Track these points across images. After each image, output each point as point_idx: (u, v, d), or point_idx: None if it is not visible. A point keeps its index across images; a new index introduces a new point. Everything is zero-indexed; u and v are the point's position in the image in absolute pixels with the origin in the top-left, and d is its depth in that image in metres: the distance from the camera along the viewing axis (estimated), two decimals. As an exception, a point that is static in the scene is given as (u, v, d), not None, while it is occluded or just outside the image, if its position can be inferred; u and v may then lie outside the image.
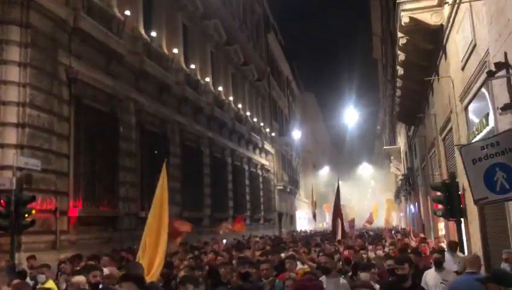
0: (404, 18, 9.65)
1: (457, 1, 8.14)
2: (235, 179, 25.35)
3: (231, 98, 25.44)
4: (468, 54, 7.99)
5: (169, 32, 18.28)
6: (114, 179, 13.43)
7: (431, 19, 9.68)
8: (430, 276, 6.28)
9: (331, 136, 78.46)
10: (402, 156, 29.43)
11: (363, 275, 5.88)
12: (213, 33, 23.36)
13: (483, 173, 5.00)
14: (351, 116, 28.21)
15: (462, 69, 8.55)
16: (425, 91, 13.76)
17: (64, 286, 6.82)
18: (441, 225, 14.75)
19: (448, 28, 9.31)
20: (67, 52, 11.87)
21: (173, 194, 17.24)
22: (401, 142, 28.91)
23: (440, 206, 9.06)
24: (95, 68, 13.01)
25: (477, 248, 8.73)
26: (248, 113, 28.52)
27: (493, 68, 5.89)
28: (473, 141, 7.49)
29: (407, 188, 25.33)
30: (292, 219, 43.01)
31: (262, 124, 31.92)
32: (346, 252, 9.50)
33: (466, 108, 8.80)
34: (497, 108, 6.16)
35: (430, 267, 6.72)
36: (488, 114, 7.20)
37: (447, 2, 8.91)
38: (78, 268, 6.96)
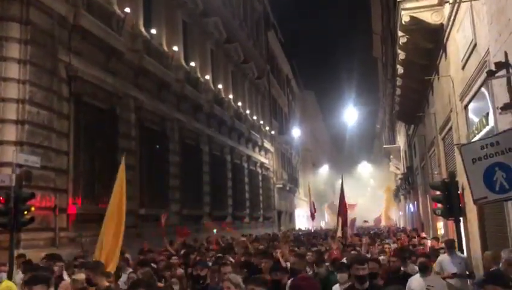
0: (405, 17, 9.64)
1: (458, 0, 8.13)
2: (234, 177, 25.36)
3: (231, 96, 25.42)
4: (468, 53, 7.99)
5: (169, 30, 18.26)
6: (113, 177, 13.38)
7: (431, 18, 9.67)
8: (415, 281, 6.01)
9: (330, 134, 78.45)
10: (401, 155, 29.44)
11: (340, 276, 5.76)
12: (213, 31, 23.33)
13: (482, 172, 5.00)
14: (350, 114, 28.26)
15: (462, 68, 8.55)
16: (425, 90, 13.76)
17: None
18: (440, 224, 14.77)
19: (449, 27, 9.30)
20: (67, 49, 11.85)
21: (173, 192, 17.31)
22: (401, 141, 28.92)
23: (439, 205, 9.04)
24: (95, 65, 12.99)
25: (476, 247, 8.74)
26: (248, 111, 28.51)
27: (493, 68, 5.89)
28: (472, 141, 7.48)
29: (407, 187, 25.36)
30: (291, 217, 43.06)
31: (261, 122, 31.92)
32: (334, 252, 9.46)
33: (466, 107, 8.80)
34: (497, 107, 6.16)
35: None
36: (487, 113, 7.20)
37: (448, 1, 8.91)
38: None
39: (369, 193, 63.72)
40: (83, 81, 12.31)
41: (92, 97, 12.77)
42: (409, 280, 6.10)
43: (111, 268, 6.11)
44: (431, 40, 10.78)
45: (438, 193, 9.17)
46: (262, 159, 32.32)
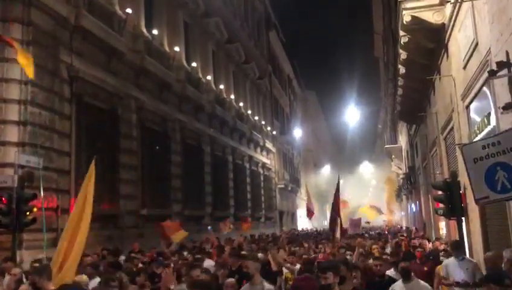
0: (406, 17, 9.63)
1: (459, 0, 8.12)
2: (236, 177, 25.36)
3: (232, 96, 25.42)
4: (469, 53, 7.98)
5: (170, 30, 18.28)
6: (115, 177, 13.44)
7: (433, 17, 9.66)
8: (397, 288, 5.76)
9: (332, 134, 78.43)
10: (403, 154, 29.41)
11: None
12: (214, 31, 23.34)
13: (484, 172, 4.99)
14: (352, 114, 28.18)
15: (464, 68, 8.53)
16: (427, 90, 13.74)
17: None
18: (442, 223, 14.75)
19: (450, 27, 9.29)
20: (69, 50, 11.88)
21: (174, 192, 17.33)
22: (403, 141, 28.88)
23: (441, 205, 9.03)
24: (96, 66, 13.01)
25: (478, 247, 8.72)
26: (249, 112, 28.52)
27: (495, 67, 5.88)
28: (474, 140, 7.47)
29: (409, 186, 25.33)
30: (293, 217, 43.05)
31: (263, 123, 31.92)
32: (321, 255, 9.24)
33: (467, 107, 8.78)
34: (499, 107, 6.15)
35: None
36: (489, 113, 7.19)
37: (449, 1, 8.88)
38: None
39: (371, 193, 63.67)
40: (84, 81, 12.33)
41: (93, 98, 12.80)
42: (390, 286, 5.85)
43: (69, 276, 5.68)
44: (432, 40, 10.77)
45: (439, 192, 9.16)
46: (264, 160, 32.32)
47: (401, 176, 31.79)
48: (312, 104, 61.17)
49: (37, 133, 10.48)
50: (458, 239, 8.60)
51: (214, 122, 22.32)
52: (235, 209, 24.59)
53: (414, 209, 25.53)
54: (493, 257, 5.85)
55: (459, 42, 8.84)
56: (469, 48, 7.96)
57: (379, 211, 32.03)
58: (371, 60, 42.78)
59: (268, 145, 33.20)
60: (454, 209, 8.53)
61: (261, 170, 31.42)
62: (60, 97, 11.44)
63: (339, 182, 14.11)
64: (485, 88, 7.32)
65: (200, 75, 20.75)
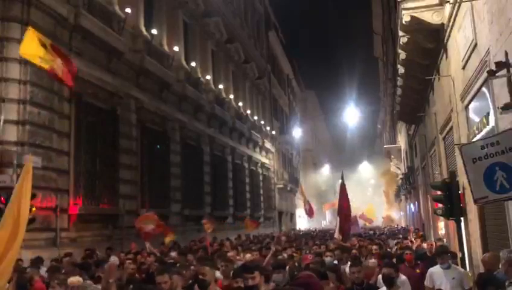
0: (405, 17, 9.63)
1: (458, 0, 8.12)
2: (235, 177, 25.37)
3: (232, 96, 25.42)
4: (469, 53, 7.98)
5: (170, 30, 18.28)
6: (114, 177, 13.45)
7: (432, 17, 9.66)
8: None
9: (331, 134, 78.37)
10: (402, 154, 29.43)
11: (275, 277, 5.04)
12: (214, 31, 23.33)
13: (483, 172, 4.99)
14: (351, 114, 28.16)
15: (463, 68, 8.54)
16: (426, 90, 13.75)
17: None
18: (441, 224, 14.76)
19: (449, 27, 9.29)
20: (68, 49, 11.85)
21: (174, 192, 17.33)
22: (402, 141, 28.90)
23: (440, 205, 9.02)
24: (96, 65, 13.01)
25: (477, 248, 8.73)
26: (248, 111, 28.51)
27: (494, 67, 5.88)
28: (473, 140, 7.48)
29: (408, 187, 25.35)
30: (292, 217, 43.05)
31: (262, 122, 31.91)
32: (309, 257, 8.79)
33: (466, 107, 8.79)
34: (498, 107, 6.16)
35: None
36: (488, 113, 7.19)
37: (448, 1, 8.89)
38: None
39: (370, 193, 63.70)
40: (84, 81, 12.32)
41: (92, 97, 12.79)
42: None
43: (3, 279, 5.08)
44: (432, 40, 10.77)
45: (438, 193, 9.15)
46: (263, 159, 32.32)
47: (400, 176, 31.82)
48: (311, 104, 61.14)
49: (36, 133, 10.48)
50: (444, 245, 8.20)
51: (213, 122, 22.32)
52: (234, 209, 24.60)
53: (413, 210, 25.54)
54: (490, 259, 5.79)
55: (458, 42, 8.84)
56: (468, 48, 7.96)
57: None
58: (371, 60, 42.90)
59: (268, 145, 33.20)
60: (453, 209, 8.52)
61: (260, 170, 31.43)
62: (59, 97, 11.44)
63: (343, 178, 13.36)
64: (484, 88, 7.32)
65: (200, 75, 20.75)
